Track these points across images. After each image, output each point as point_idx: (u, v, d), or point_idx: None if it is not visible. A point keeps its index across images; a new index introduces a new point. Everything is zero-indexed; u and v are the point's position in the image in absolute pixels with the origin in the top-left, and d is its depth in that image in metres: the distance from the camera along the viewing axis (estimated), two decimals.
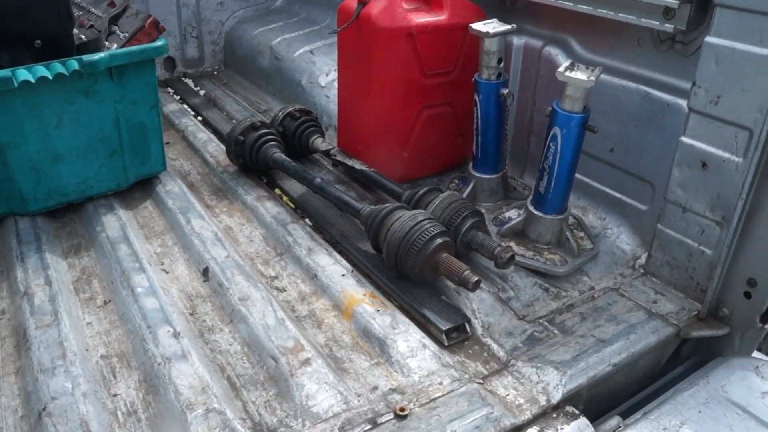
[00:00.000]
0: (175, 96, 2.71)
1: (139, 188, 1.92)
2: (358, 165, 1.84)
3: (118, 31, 1.90)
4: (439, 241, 1.39)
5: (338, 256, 1.58)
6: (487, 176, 1.84)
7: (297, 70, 2.45)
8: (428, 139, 1.91)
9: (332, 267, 1.53)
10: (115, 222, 1.74)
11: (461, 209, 1.52)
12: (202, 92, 2.75)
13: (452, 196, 1.57)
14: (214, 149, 2.15)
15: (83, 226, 1.77)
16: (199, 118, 2.48)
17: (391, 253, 1.42)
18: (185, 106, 2.58)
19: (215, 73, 3.02)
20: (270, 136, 1.93)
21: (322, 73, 2.35)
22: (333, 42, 2.47)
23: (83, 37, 1.86)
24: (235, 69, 2.96)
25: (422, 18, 1.77)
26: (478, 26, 1.67)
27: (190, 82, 2.89)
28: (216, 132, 2.34)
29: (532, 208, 1.63)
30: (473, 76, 1.75)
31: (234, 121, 2.42)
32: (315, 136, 2.00)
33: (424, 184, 1.81)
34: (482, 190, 1.86)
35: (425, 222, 1.40)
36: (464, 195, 1.80)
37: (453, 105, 1.91)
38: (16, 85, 1.56)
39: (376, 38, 1.74)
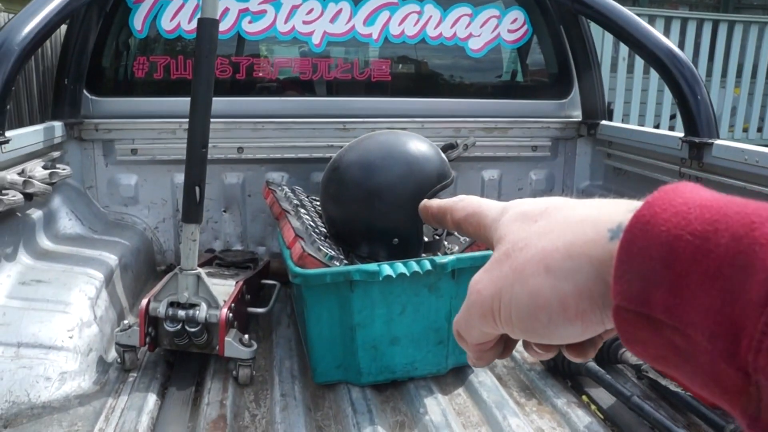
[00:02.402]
0: None
1: (452, 374, 2.10)
2: (672, 387, 1.86)
3: (456, 233, 2.17)
4: None
5: None
6: None
7: None
8: None
9: None
10: (436, 406, 1.91)
11: None
12: None
13: None
14: (519, 344, 2.28)
15: (405, 404, 1.96)
16: None
17: None
18: None
19: None
20: None
21: None
22: None
23: (426, 237, 2.15)
24: None
25: None
26: None
27: None
28: None
29: None
30: None
31: None
32: (624, 349, 2.06)
33: None
34: None
35: None
36: None
37: None
38: (380, 279, 1.84)
39: None
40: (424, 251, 2.06)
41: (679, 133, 2.48)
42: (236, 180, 2.94)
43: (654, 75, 6.74)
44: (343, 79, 2.98)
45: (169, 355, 2.13)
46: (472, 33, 3.01)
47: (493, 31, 3.03)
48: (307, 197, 2.61)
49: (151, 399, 1.86)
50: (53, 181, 2.20)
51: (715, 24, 6.91)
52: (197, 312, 1.96)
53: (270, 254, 2.98)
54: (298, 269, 1.84)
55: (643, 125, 6.90)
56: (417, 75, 3.17)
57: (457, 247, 2.05)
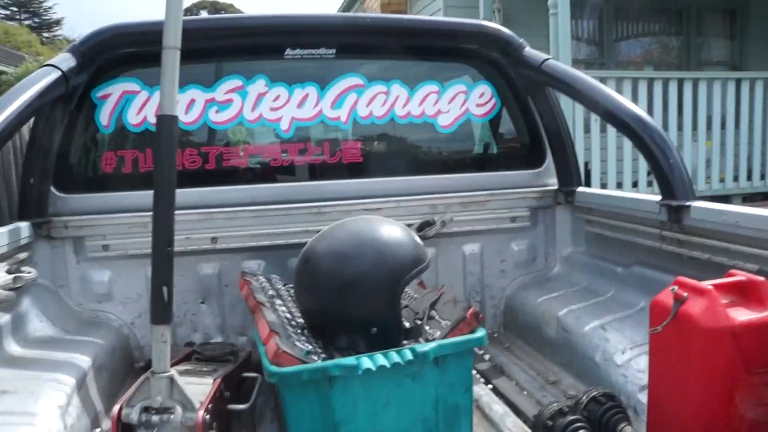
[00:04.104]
0: None
1: None
2: None
3: (437, 317, 2.10)
4: None
5: None
6: None
7: (589, 345, 2.48)
8: None
9: None
10: None
11: None
12: (487, 356, 2.88)
13: None
14: (512, 424, 2.20)
15: None
16: (490, 386, 2.58)
17: None
18: (474, 372, 2.70)
19: (495, 335, 3.16)
20: (579, 423, 1.93)
21: (617, 350, 2.34)
22: (625, 317, 2.51)
23: (406, 323, 2.07)
24: (516, 333, 3.08)
25: (744, 315, 1.75)
26: None
27: None
28: (509, 404, 2.40)
29: None
30: None
31: (525, 392, 2.49)
32: (623, 424, 1.98)
33: None
34: None
35: None
36: None
37: None
38: (359, 372, 1.76)
39: (696, 337, 1.74)
40: (405, 338, 1.99)
41: (657, 196, 2.46)
42: (212, 270, 2.87)
43: None
44: (315, 162, 2.96)
45: None
46: (440, 109, 3.02)
47: (461, 107, 3.04)
48: (284, 286, 2.54)
49: None
50: (17, 285, 2.12)
51: (680, 82, 7.06)
52: (172, 416, 1.87)
53: (251, 344, 2.88)
54: (273, 368, 1.76)
55: (621, 182, 6.95)
56: (389, 154, 3.15)
57: (438, 332, 1.98)
